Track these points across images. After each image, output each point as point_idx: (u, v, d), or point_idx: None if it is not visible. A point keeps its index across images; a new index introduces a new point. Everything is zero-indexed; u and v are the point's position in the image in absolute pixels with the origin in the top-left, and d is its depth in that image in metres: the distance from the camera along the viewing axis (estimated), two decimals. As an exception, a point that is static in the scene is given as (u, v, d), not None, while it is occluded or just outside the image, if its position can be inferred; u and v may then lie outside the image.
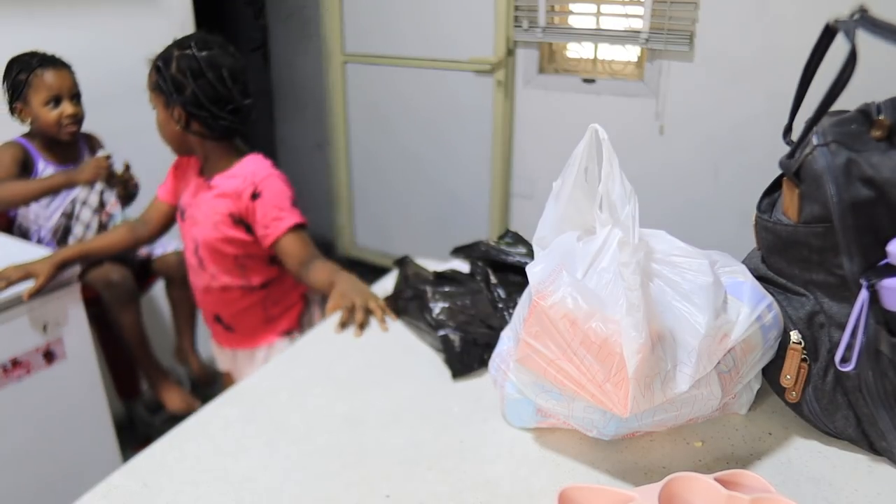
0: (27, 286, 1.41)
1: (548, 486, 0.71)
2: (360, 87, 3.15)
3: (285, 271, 1.49)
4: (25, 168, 1.82)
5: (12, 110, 1.80)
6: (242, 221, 1.39)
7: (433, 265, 1.21)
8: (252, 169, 1.39)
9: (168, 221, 1.57)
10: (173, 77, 1.33)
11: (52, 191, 1.80)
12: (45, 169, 1.84)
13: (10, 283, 1.40)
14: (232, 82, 1.36)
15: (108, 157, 1.84)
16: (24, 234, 1.87)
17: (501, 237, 1.14)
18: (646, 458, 0.75)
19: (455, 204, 3.09)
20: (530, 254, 1.04)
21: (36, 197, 1.78)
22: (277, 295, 1.53)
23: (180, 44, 1.35)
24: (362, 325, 1.05)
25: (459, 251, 1.17)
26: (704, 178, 2.54)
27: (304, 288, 1.58)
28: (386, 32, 2.97)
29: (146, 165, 2.00)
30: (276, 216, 1.36)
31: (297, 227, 1.37)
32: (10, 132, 1.89)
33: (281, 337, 1.57)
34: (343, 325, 1.05)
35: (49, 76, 1.76)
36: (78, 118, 1.81)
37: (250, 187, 1.36)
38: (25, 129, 1.84)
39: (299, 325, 1.59)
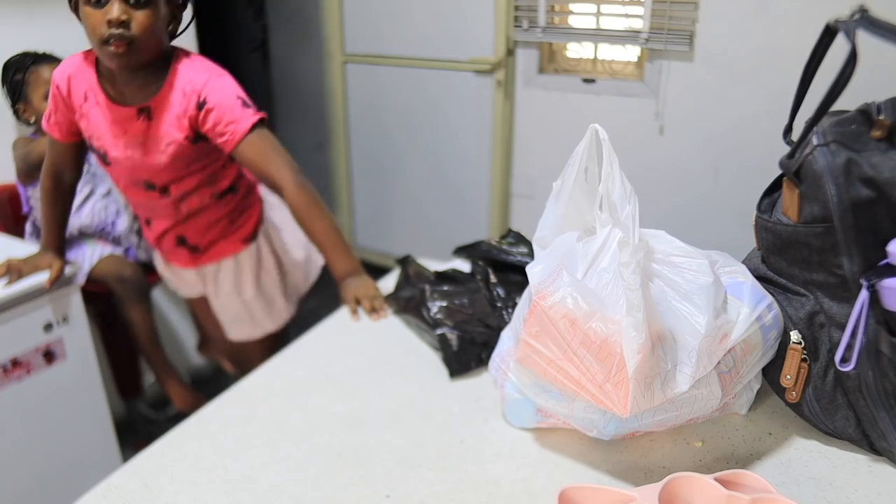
0: (33, 282, 1.41)
1: (548, 486, 0.71)
2: (360, 87, 3.15)
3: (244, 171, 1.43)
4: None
5: (15, 112, 1.82)
6: (199, 136, 1.23)
7: (435, 265, 1.21)
8: (188, 78, 1.20)
9: (80, 161, 1.38)
10: None
11: None
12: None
13: (22, 277, 1.40)
14: None
15: None
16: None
17: (503, 237, 1.14)
18: (646, 458, 0.75)
19: (455, 204, 3.09)
20: (531, 253, 1.04)
21: None
22: (240, 199, 1.44)
23: None
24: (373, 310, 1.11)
25: (461, 251, 1.17)
26: (704, 178, 2.54)
27: (257, 190, 1.51)
28: (386, 32, 2.97)
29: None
30: (231, 114, 1.18)
31: (257, 126, 1.19)
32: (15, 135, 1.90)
33: (245, 245, 1.49)
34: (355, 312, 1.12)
35: (45, 71, 1.78)
36: None
37: (194, 98, 1.19)
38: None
39: (257, 230, 1.51)
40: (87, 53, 1.24)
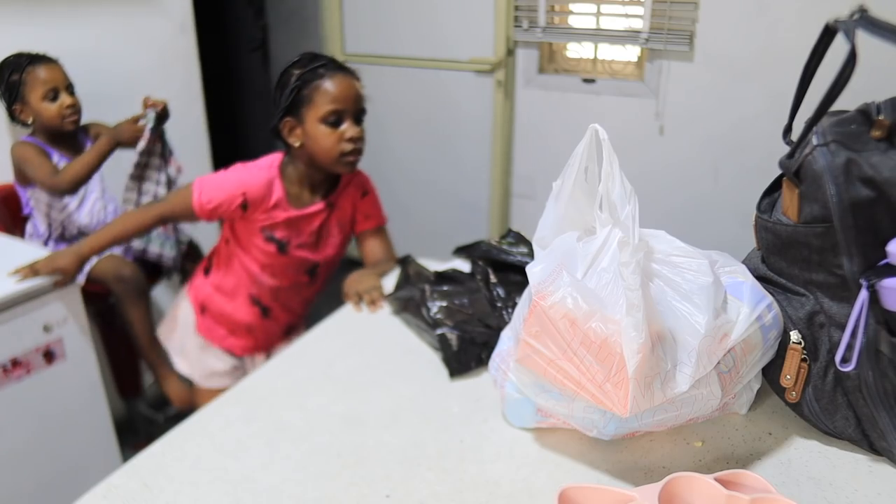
0: (33, 282, 1.41)
1: (548, 486, 0.71)
2: (360, 86, 3.15)
3: None
4: None
5: (12, 113, 1.82)
6: (354, 217, 1.48)
7: (435, 265, 1.21)
8: (360, 177, 1.46)
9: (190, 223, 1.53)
10: None
11: (106, 154, 1.81)
12: (60, 161, 1.87)
13: (38, 275, 1.41)
14: None
15: (138, 119, 1.83)
16: (54, 234, 1.90)
17: (504, 237, 1.14)
18: (646, 458, 0.75)
19: (455, 204, 3.09)
20: (531, 253, 1.04)
21: (97, 165, 1.79)
22: None
23: None
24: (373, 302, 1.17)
25: (461, 251, 1.17)
26: (704, 178, 2.54)
27: None
28: (386, 32, 2.97)
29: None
30: (378, 207, 1.48)
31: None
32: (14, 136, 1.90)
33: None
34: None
35: (42, 71, 1.78)
36: (77, 108, 1.84)
37: (360, 188, 1.46)
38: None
39: None
40: (270, 167, 1.38)
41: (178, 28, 2.30)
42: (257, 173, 1.36)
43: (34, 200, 1.88)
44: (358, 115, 1.31)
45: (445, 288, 1.04)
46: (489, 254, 1.10)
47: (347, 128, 1.28)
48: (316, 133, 1.28)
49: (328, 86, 1.26)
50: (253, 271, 1.44)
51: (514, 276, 1.06)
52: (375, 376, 0.93)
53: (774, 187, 0.81)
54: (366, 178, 1.48)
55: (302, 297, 1.52)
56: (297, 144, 1.32)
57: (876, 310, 0.66)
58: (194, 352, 1.57)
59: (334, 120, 1.27)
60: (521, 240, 1.13)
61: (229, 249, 1.47)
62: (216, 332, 1.54)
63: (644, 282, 0.67)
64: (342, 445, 0.78)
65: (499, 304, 1.00)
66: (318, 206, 1.39)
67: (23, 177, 1.85)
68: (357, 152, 1.32)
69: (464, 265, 1.17)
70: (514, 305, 0.99)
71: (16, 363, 1.42)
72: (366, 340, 1.03)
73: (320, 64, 1.28)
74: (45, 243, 1.91)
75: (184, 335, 1.58)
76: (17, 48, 1.81)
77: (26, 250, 1.57)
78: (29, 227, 1.91)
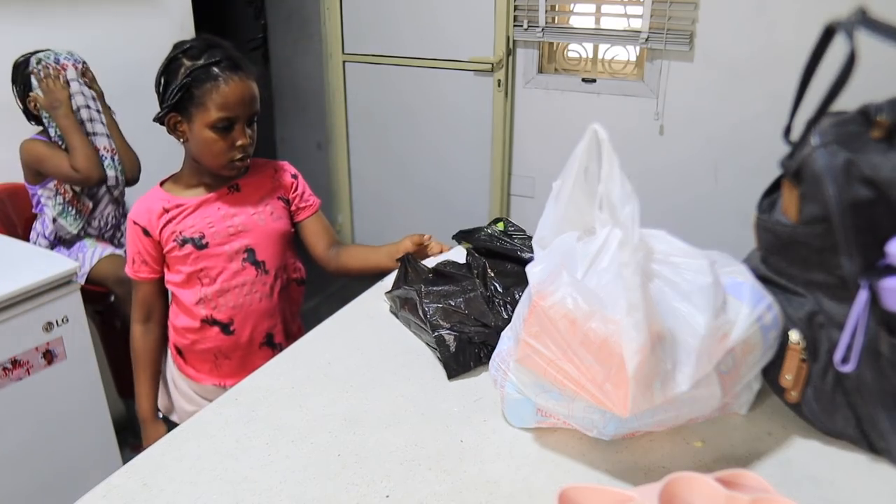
0: (32, 282, 1.41)
1: (548, 486, 0.71)
2: (360, 86, 3.15)
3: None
4: None
5: (26, 105, 1.84)
6: (288, 200, 1.39)
7: (434, 260, 1.21)
8: (271, 163, 1.40)
9: (166, 295, 1.38)
10: None
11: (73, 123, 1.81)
12: None
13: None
14: None
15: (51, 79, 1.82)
16: (61, 238, 1.91)
17: (495, 221, 1.16)
18: (646, 458, 0.75)
19: (455, 204, 3.09)
20: (530, 238, 1.05)
21: (81, 135, 1.82)
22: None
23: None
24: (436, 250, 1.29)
25: (462, 235, 1.18)
26: (704, 178, 2.54)
27: None
28: (386, 32, 2.97)
29: (148, 163, 2.01)
30: (309, 189, 1.42)
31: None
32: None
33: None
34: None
35: None
36: None
37: (286, 173, 1.40)
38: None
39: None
40: (151, 193, 1.32)
41: (178, 28, 2.31)
42: (139, 202, 1.30)
43: (44, 198, 1.88)
44: (250, 119, 1.23)
45: (441, 288, 1.04)
46: (488, 243, 1.10)
47: (238, 134, 1.20)
48: (203, 137, 1.20)
49: (222, 91, 1.17)
50: (192, 286, 1.30)
51: (512, 267, 1.06)
52: (375, 376, 0.93)
53: (774, 187, 0.81)
54: (288, 165, 1.40)
55: (260, 296, 1.33)
56: (181, 141, 1.24)
57: (875, 310, 0.67)
58: (175, 395, 1.45)
59: (225, 126, 1.19)
60: (518, 228, 1.15)
61: (171, 287, 1.35)
62: (201, 370, 1.40)
63: (644, 282, 0.67)
64: (342, 445, 0.78)
65: (496, 300, 1.00)
66: (221, 192, 1.29)
67: (33, 176, 1.85)
68: (246, 157, 1.24)
69: (460, 257, 1.16)
70: (511, 300, 0.99)
71: (16, 363, 1.42)
72: (366, 340, 1.03)
73: (214, 61, 1.17)
74: (52, 246, 1.91)
75: (171, 377, 1.46)
76: (17, 48, 1.82)
77: (27, 250, 1.57)
78: (37, 226, 1.91)
